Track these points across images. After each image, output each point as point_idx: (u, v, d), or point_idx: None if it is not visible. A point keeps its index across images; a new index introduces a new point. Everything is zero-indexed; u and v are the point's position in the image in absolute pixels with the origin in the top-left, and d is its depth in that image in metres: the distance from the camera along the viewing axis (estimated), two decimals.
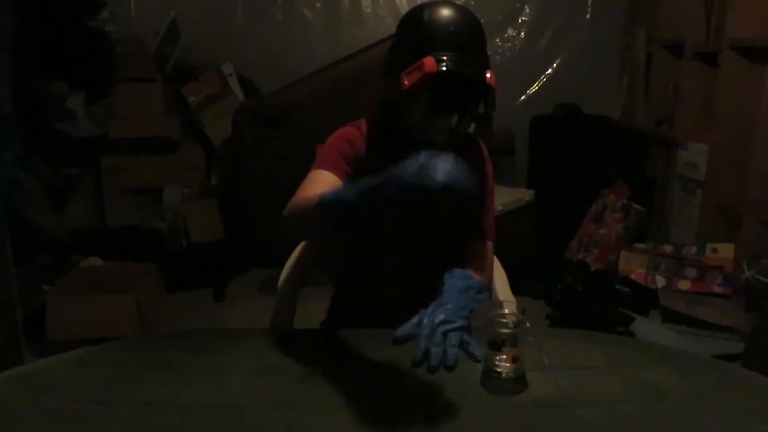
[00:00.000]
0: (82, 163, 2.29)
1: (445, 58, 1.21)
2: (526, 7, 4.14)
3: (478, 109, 1.33)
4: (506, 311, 1.08)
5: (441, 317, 1.11)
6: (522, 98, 4.18)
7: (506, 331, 1.04)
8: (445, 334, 1.10)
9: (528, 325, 1.21)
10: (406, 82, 1.22)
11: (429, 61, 1.20)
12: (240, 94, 3.79)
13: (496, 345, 1.04)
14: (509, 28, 4.16)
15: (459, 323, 1.12)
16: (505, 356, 1.03)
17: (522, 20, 4.16)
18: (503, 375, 1.04)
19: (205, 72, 3.78)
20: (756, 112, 2.72)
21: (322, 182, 1.25)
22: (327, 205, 0.98)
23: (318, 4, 4.08)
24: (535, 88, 4.19)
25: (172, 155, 3.67)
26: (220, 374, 1.10)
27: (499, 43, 4.16)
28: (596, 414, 0.99)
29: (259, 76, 3.95)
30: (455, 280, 1.22)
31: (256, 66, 3.96)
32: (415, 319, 1.13)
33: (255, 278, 3.34)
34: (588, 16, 4.16)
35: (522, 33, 4.16)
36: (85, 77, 2.11)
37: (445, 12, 1.28)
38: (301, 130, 3.49)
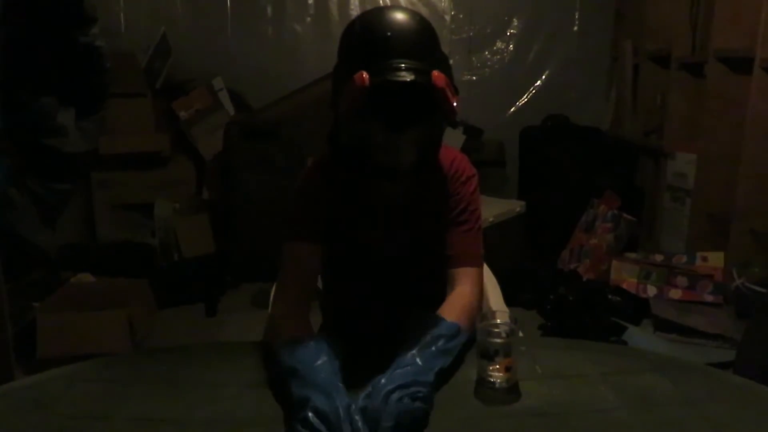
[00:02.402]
0: (72, 179, 2.28)
1: (380, 68, 1.07)
2: (515, 20, 4.18)
3: (440, 119, 1.17)
4: (499, 321, 1.08)
5: (394, 386, 0.95)
6: (511, 110, 4.21)
7: (499, 340, 1.04)
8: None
9: (521, 334, 1.21)
10: (342, 105, 1.10)
11: (359, 76, 1.06)
12: (231, 109, 3.80)
13: (489, 355, 1.04)
14: (498, 40, 4.19)
15: (410, 393, 0.95)
16: (498, 366, 1.04)
17: (510, 33, 4.19)
18: (496, 385, 1.04)
19: (195, 87, 3.78)
20: (742, 121, 2.75)
21: (300, 262, 1.25)
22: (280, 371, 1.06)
23: (308, 19, 4.11)
24: (524, 99, 4.22)
25: (162, 170, 3.66)
26: (214, 388, 1.09)
27: (488, 56, 4.19)
28: (589, 422, 0.99)
29: (249, 91, 3.96)
30: (418, 333, 1.08)
31: (246, 80, 3.96)
32: (368, 388, 0.98)
33: (247, 292, 3.33)
34: (575, 28, 4.21)
35: (511, 46, 4.20)
36: (76, 93, 2.12)
37: (379, 18, 1.14)
38: (291, 144, 3.49)
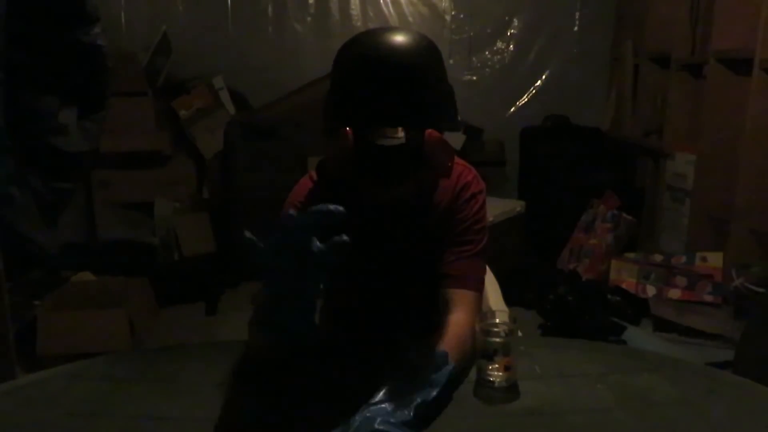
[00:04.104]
0: (73, 178, 2.29)
1: (368, 124, 0.99)
2: (515, 20, 4.18)
3: (426, 171, 1.07)
4: (498, 321, 1.09)
5: (368, 425, 0.88)
6: (512, 110, 4.22)
7: (498, 340, 1.05)
8: None
9: (520, 334, 1.21)
10: (329, 152, 1.05)
11: (344, 135, 0.99)
12: (231, 108, 3.80)
13: (489, 354, 1.05)
14: (498, 40, 4.20)
15: None
16: (497, 365, 1.04)
17: (511, 33, 4.20)
18: (495, 384, 1.05)
19: (196, 86, 3.78)
20: (742, 121, 2.75)
21: None
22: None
23: (308, 18, 4.11)
24: (524, 99, 4.23)
25: (163, 169, 3.66)
26: (214, 387, 1.10)
27: (489, 56, 4.20)
28: (588, 421, 1.00)
29: (250, 90, 3.96)
30: (403, 365, 1.01)
31: (247, 80, 3.96)
32: (339, 428, 0.91)
33: (247, 291, 3.33)
34: (576, 28, 4.21)
35: (511, 45, 4.20)
36: (78, 92, 2.12)
37: (373, 55, 1.03)
38: (291, 143, 3.50)
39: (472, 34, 4.16)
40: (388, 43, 1.04)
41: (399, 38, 1.04)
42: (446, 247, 1.23)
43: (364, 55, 1.04)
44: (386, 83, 1.01)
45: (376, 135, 0.99)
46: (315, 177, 1.26)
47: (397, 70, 1.01)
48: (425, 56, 1.06)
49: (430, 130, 1.00)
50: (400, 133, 0.99)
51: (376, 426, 0.88)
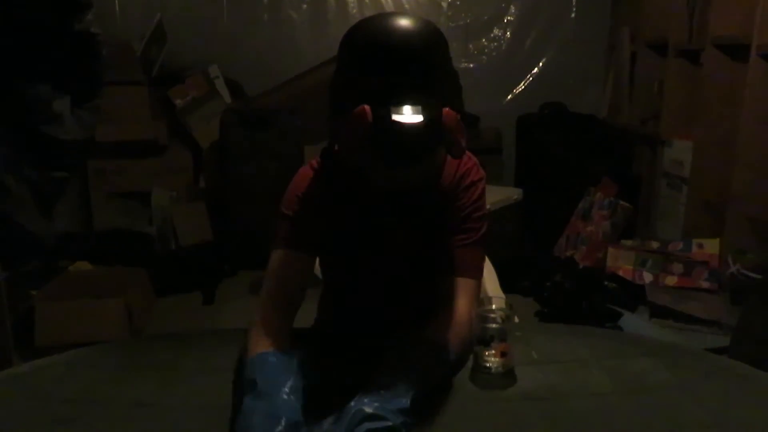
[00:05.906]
0: (69, 167, 2.28)
1: (384, 102, 0.98)
2: (512, 7, 4.17)
3: (440, 152, 1.09)
4: (495, 307, 1.09)
5: (364, 412, 0.88)
6: (509, 97, 4.21)
7: (495, 326, 1.05)
8: None
9: (516, 320, 1.22)
10: (340, 133, 1.03)
11: (361, 112, 0.97)
12: (227, 97, 3.79)
13: (485, 340, 1.05)
14: (495, 28, 4.18)
15: (383, 423, 0.88)
16: (493, 351, 1.05)
17: (507, 20, 4.18)
18: (492, 369, 1.05)
19: (191, 74, 3.77)
20: (739, 108, 2.75)
21: (289, 273, 1.15)
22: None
23: (304, 6, 4.09)
24: (521, 87, 4.22)
25: (159, 158, 3.65)
26: (211, 375, 1.10)
27: (485, 43, 4.18)
28: (584, 406, 1.00)
29: (246, 79, 3.95)
30: (399, 353, 1.01)
31: (242, 68, 3.95)
32: (337, 413, 0.91)
33: (244, 280, 3.33)
34: (573, 15, 4.19)
35: (508, 33, 4.19)
36: (72, 80, 2.11)
37: (384, 35, 1.02)
38: (288, 131, 3.49)
39: (468, 21, 4.15)
40: (401, 23, 1.04)
41: (410, 20, 1.05)
42: (446, 236, 1.22)
43: (379, 33, 1.03)
44: (405, 52, 1.00)
45: (395, 110, 0.97)
46: (316, 165, 1.23)
47: (412, 46, 1.01)
48: (437, 36, 1.06)
49: (447, 109, 1.00)
50: (417, 112, 0.98)
51: (372, 411, 0.88)
